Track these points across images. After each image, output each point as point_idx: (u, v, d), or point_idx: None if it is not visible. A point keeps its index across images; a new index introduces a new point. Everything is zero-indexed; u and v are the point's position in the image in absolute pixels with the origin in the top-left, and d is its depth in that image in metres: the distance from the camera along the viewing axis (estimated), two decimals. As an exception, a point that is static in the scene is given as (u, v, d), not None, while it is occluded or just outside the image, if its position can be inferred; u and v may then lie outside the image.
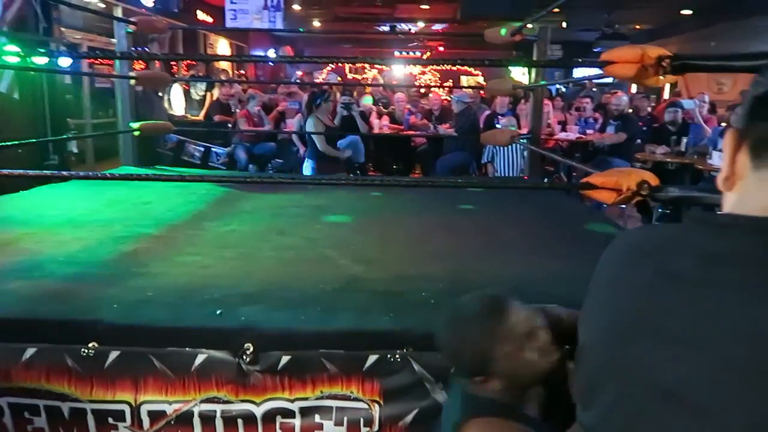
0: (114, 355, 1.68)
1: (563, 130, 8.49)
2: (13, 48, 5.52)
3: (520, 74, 14.04)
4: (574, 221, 3.27)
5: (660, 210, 5.72)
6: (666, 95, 12.26)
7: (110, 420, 1.71)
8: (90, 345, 1.68)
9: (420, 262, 2.41)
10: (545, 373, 1.23)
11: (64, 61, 6.33)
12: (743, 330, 0.64)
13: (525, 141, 5.15)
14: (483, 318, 1.25)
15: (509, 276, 2.21)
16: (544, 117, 5.61)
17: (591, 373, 0.81)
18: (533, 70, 5.04)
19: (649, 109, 9.18)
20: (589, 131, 8.03)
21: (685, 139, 6.55)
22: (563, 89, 13.15)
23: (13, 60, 5.40)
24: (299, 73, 12.79)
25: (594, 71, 2.99)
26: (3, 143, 3.03)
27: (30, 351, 1.66)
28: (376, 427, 1.72)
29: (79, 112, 8.44)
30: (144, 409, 1.71)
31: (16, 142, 3.71)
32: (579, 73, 14.33)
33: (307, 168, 6.00)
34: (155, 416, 1.72)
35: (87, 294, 1.93)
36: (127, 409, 1.71)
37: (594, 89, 12.51)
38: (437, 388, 1.69)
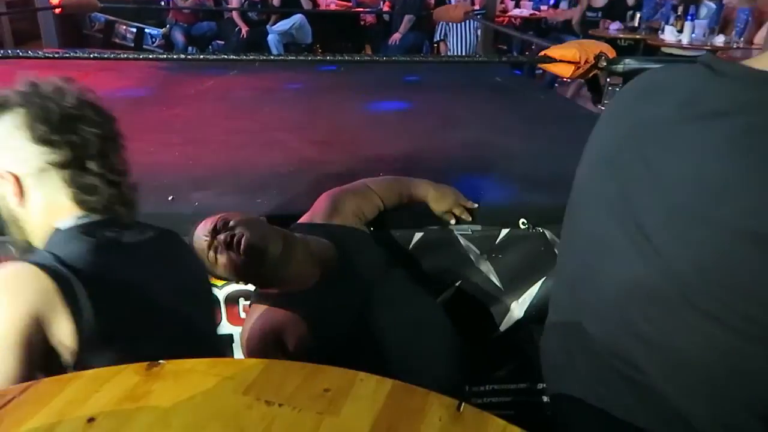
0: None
1: (516, 6, 8.23)
2: None
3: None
4: (526, 99, 3.25)
5: (611, 89, 5.74)
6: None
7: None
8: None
9: (374, 143, 2.36)
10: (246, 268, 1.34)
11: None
12: (696, 177, 0.65)
13: (479, 18, 4.97)
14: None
15: (462, 155, 2.20)
16: (498, -9, 5.38)
17: (572, 201, 0.85)
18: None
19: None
20: (543, 8, 7.81)
21: (638, 14, 6.43)
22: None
23: None
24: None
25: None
26: None
27: None
28: None
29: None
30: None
31: None
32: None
33: (271, 42, 5.72)
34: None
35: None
36: None
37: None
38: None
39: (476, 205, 1.68)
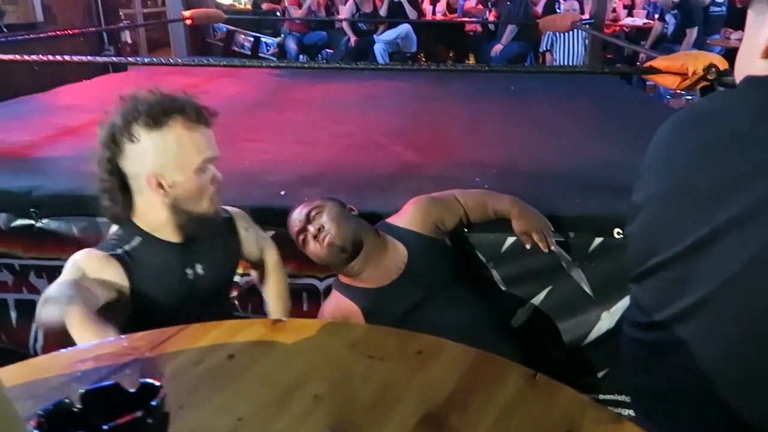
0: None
1: (629, 15, 7.93)
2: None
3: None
4: (630, 109, 3.18)
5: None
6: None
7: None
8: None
9: (472, 148, 2.44)
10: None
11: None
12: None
13: (587, 27, 4.88)
14: None
15: (559, 162, 2.22)
16: (609, 0, 5.25)
17: (649, 227, 0.87)
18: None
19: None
20: (656, 16, 7.48)
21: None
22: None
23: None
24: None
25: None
26: (59, 32, 3.11)
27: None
28: None
29: (128, 2, 8.39)
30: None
31: (74, 32, 3.79)
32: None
33: (378, 51, 5.99)
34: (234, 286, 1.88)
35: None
36: None
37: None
38: (489, 266, 1.78)
39: (552, 248, 1.63)
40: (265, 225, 1.81)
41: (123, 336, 0.73)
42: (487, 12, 7.76)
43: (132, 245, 1.21)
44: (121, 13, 6.97)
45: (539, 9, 7.12)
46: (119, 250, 1.19)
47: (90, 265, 1.16)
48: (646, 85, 6.09)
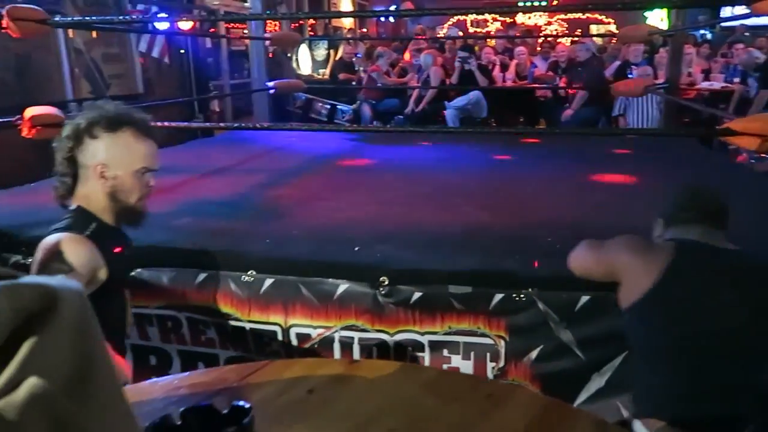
0: (268, 282, 1.91)
1: (706, 79, 7.77)
2: (163, 15, 6.09)
3: (657, 21, 12.90)
4: (710, 173, 3.09)
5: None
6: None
7: (264, 339, 1.97)
8: (249, 272, 1.93)
9: (544, 209, 2.44)
10: None
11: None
12: None
13: (662, 92, 4.84)
14: None
15: (630, 227, 2.18)
16: (684, 64, 5.20)
17: None
18: (672, 15, 4.68)
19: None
20: (736, 80, 7.29)
21: None
22: (709, 35, 11.89)
23: (164, 26, 5.98)
24: (418, 27, 12.66)
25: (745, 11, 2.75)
26: (157, 102, 3.42)
27: (201, 276, 1.95)
28: (501, 362, 1.81)
29: (217, 74, 9.10)
30: (293, 332, 1.95)
31: (169, 101, 4.16)
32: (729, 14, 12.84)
33: (449, 116, 6.21)
34: (302, 338, 1.94)
35: (242, 230, 2.20)
36: (278, 330, 1.95)
37: (746, 33, 11.11)
38: (561, 327, 1.75)
39: None
40: (338, 278, 1.89)
41: (213, 368, 0.80)
42: (557, 78, 7.83)
43: (91, 228, 1.47)
44: (210, 85, 7.55)
45: (610, 74, 7.12)
46: (87, 232, 1.44)
47: (76, 253, 1.38)
48: (729, 149, 5.89)
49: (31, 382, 0.35)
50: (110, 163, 1.47)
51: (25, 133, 2.27)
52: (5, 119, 2.35)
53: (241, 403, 0.58)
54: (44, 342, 0.36)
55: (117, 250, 1.54)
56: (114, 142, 1.47)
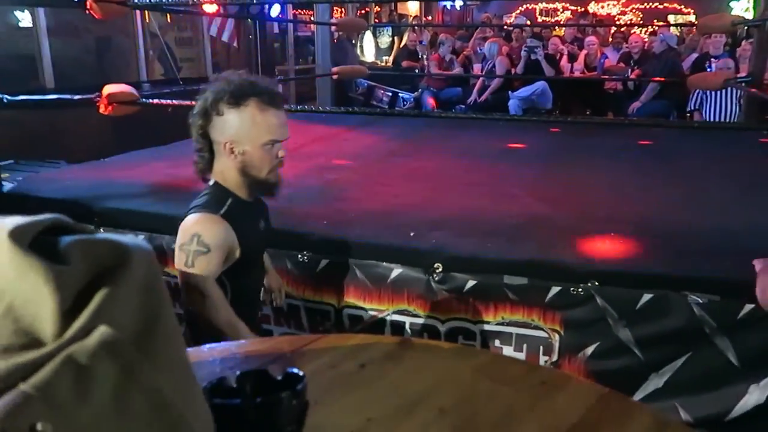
0: (324, 262, 1.94)
1: (793, 74, 7.28)
2: None
3: (741, 11, 12.17)
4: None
5: None
6: None
7: (318, 318, 2.00)
8: (304, 252, 1.96)
9: (607, 204, 2.36)
10: None
11: (274, 11, 6.94)
12: None
13: (743, 85, 4.57)
14: None
15: (703, 226, 2.08)
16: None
17: None
18: (760, 4, 4.40)
19: None
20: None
21: None
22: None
23: (233, 10, 6.12)
24: (484, 15, 12.45)
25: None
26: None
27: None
28: (555, 356, 1.78)
29: (283, 59, 9.26)
30: (345, 313, 1.97)
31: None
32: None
33: (512, 106, 6.10)
34: (354, 320, 1.97)
35: (300, 212, 2.24)
36: (332, 310, 1.98)
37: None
38: (620, 324, 1.69)
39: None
40: (392, 262, 1.89)
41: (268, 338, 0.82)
42: (629, 70, 7.53)
43: (227, 205, 1.47)
44: (276, 70, 7.70)
45: (687, 67, 6.78)
46: (222, 211, 1.46)
47: (213, 234, 1.42)
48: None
49: (102, 330, 0.37)
50: (237, 139, 1.45)
51: (102, 109, 2.39)
52: (86, 96, 2.47)
53: (295, 370, 0.59)
54: (115, 295, 0.38)
55: (253, 225, 1.55)
56: (239, 117, 1.44)
